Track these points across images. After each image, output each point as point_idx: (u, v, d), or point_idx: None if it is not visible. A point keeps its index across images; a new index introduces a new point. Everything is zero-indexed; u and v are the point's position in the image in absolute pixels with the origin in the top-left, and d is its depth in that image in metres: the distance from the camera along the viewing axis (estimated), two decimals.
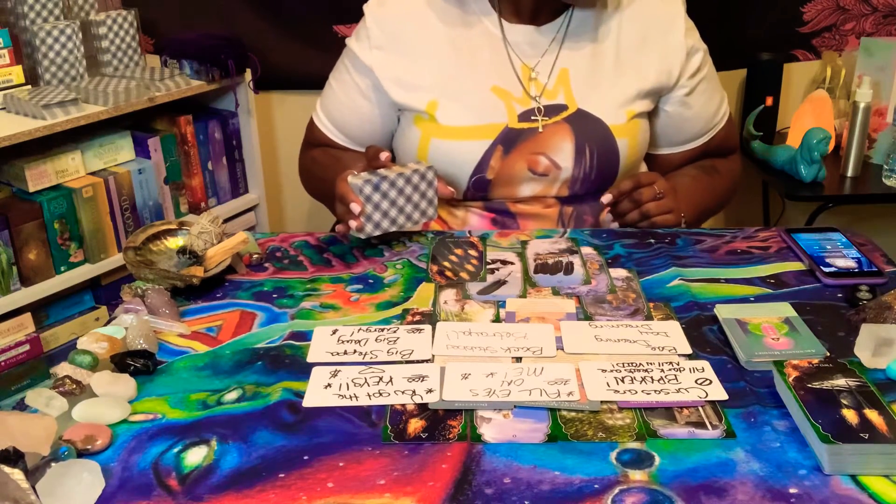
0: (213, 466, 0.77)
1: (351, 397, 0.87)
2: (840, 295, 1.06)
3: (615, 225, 1.30)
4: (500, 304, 1.06)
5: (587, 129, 1.29)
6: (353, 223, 1.15)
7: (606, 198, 1.25)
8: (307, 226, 2.40)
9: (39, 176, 1.80)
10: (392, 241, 1.24)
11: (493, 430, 0.81)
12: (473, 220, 1.34)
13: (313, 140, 1.46)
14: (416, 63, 1.32)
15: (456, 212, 1.35)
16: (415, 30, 1.33)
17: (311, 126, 1.46)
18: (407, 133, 1.35)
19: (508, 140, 1.29)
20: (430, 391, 0.87)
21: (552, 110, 1.30)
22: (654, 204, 1.26)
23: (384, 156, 1.17)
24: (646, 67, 1.32)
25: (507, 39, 1.32)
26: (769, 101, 2.23)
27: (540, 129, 1.29)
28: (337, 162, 1.37)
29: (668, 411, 0.83)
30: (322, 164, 1.41)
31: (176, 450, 0.80)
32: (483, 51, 1.32)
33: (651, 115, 1.38)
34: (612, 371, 0.90)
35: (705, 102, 1.39)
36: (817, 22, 2.29)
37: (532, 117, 1.29)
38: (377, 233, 1.18)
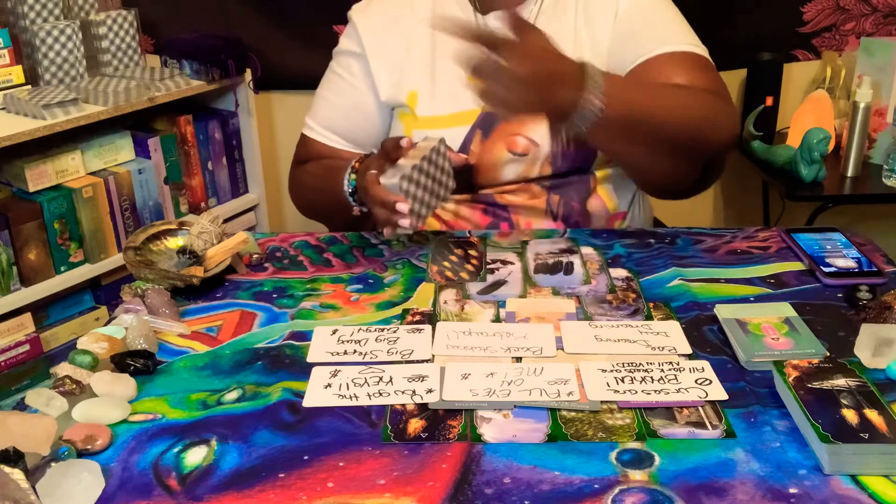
0: (213, 466, 0.77)
1: (351, 397, 0.87)
2: (840, 295, 1.06)
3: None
4: (500, 304, 1.06)
5: None
6: (405, 222, 1.11)
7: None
8: (307, 226, 2.40)
9: (39, 176, 1.80)
10: (392, 241, 1.25)
11: (493, 430, 0.81)
12: (465, 212, 1.35)
13: (307, 156, 1.45)
14: (399, 60, 1.34)
15: (447, 205, 1.36)
16: (397, 29, 1.35)
17: (304, 142, 1.45)
18: (394, 129, 1.38)
19: (486, 124, 1.30)
20: (430, 391, 0.87)
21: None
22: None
23: (405, 141, 1.13)
24: (599, 38, 1.29)
25: (481, 27, 1.32)
26: (769, 101, 2.23)
27: None
28: (334, 170, 1.34)
29: (668, 411, 0.83)
30: (318, 175, 1.39)
31: (176, 450, 0.80)
32: (460, 42, 1.32)
33: None
34: (612, 371, 0.90)
35: (648, 24, 1.27)
36: (817, 22, 2.29)
37: None
38: (422, 223, 1.15)
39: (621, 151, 1.20)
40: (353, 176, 1.24)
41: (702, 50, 1.27)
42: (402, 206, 1.09)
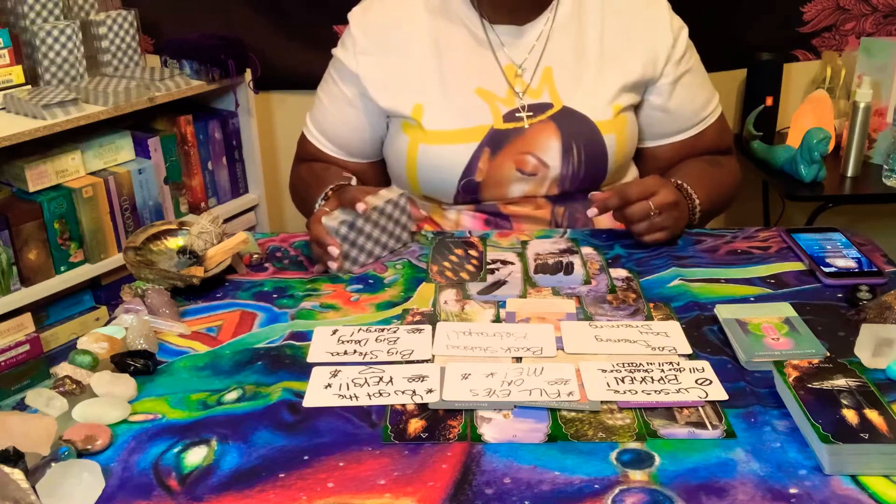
0: (213, 466, 0.77)
1: (351, 397, 0.87)
2: (840, 295, 1.06)
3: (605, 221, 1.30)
4: (500, 304, 1.06)
5: (573, 126, 1.29)
6: (332, 265, 1.14)
7: (592, 212, 1.19)
8: None
9: (39, 176, 1.80)
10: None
11: (493, 430, 0.81)
12: (466, 221, 1.34)
13: (305, 154, 1.45)
14: (401, 68, 1.31)
15: (448, 214, 1.35)
16: (399, 35, 1.32)
17: (303, 140, 1.45)
18: (396, 140, 1.34)
19: (495, 141, 1.28)
20: (430, 391, 0.87)
21: (537, 109, 1.30)
22: (645, 225, 1.19)
23: (361, 207, 1.14)
24: (631, 60, 1.31)
25: (490, 40, 1.32)
26: (769, 101, 2.23)
27: (525, 127, 1.29)
28: (319, 180, 1.35)
29: (668, 411, 0.83)
30: (306, 183, 1.40)
31: (176, 450, 0.80)
32: (467, 53, 1.32)
33: (637, 108, 1.37)
34: (612, 371, 0.90)
35: (692, 94, 1.38)
36: (817, 22, 2.29)
37: (517, 114, 1.29)
38: (356, 269, 1.17)
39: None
40: (323, 203, 1.26)
41: (719, 98, 1.43)
42: (333, 250, 1.13)
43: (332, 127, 1.40)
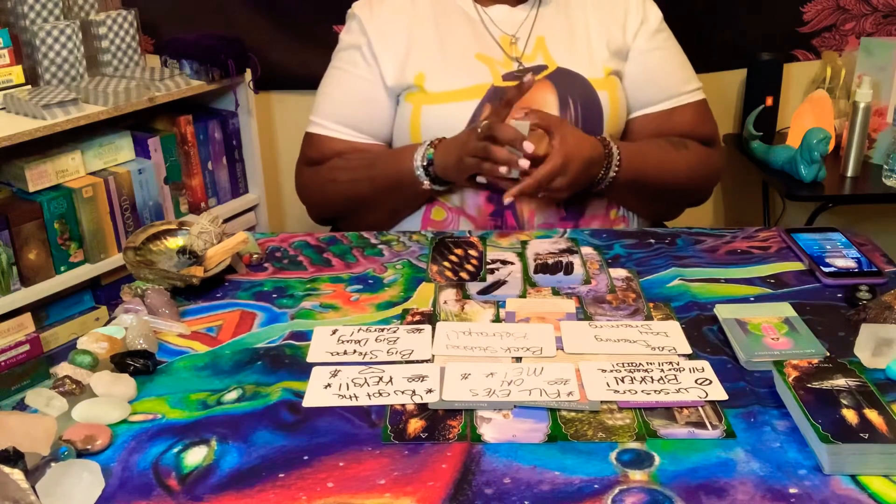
0: (213, 466, 0.77)
1: (351, 397, 0.87)
2: (840, 295, 1.06)
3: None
4: (500, 304, 1.06)
5: (568, 83, 1.36)
6: (523, 163, 1.18)
7: (507, 200, 1.24)
8: (307, 226, 2.40)
9: (39, 176, 1.80)
10: (392, 241, 1.25)
11: (492, 430, 0.81)
12: (470, 198, 1.35)
13: (318, 155, 1.43)
14: (402, 48, 1.38)
15: (451, 193, 1.36)
16: (399, 22, 1.40)
17: (315, 141, 1.43)
18: (401, 111, 1.39)
19: (496, 98, 1.32)
20: (430, 391, 0.87)
21: (533, 70, 1.36)
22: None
23: (528, 78, 1.20)
24: (612, 29, 1.40)
25: (483, 19, 1.41)
26: (769, 101, 2.23)
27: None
28: (382, 155, 1.38)
29: (668, 411, 0.84)
30: (357, 167, 1.38)
31: (176, 450, 0.80)
32: (464, 30, 1.40)
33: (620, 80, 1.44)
34: (612, 371, 0.90)
35: (666, 68, 1.44)
36: (817, 22, 2.29)
37: (516, 73, 1.36)
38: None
39: (630, 203, 1.39)
40: (431, 150, 1.29)
41: (701, 89, 1.46)
42: (529, 146, 1.17)
43: (355, 112, 1.42)
